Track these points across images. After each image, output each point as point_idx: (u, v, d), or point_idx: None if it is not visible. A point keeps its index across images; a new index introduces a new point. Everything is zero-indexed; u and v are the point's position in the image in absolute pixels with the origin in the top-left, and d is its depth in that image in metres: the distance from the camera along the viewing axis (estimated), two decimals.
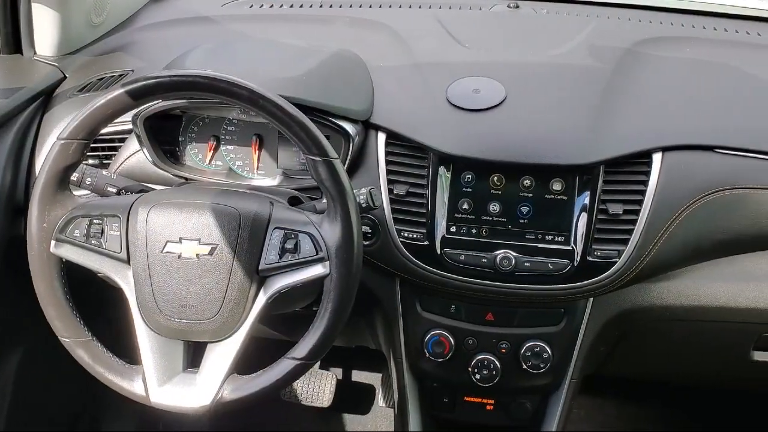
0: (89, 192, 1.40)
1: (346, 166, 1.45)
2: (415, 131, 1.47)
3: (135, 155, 1.54)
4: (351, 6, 1.97)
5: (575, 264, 1.43)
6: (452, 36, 1.74)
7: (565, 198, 1.44)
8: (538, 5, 1.98)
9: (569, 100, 1.52)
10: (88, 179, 1.37)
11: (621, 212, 1.42)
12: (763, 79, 1.65)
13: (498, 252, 1.45)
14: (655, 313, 1.55)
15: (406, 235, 1.46)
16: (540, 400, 1.67)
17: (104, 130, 1.33)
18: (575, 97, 1.52)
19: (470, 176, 1.45)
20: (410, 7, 1.95)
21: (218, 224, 1.22)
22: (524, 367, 1.54)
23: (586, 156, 1.42)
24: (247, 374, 1.27)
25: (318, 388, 2.43)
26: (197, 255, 1.22)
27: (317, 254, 1.21)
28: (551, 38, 1.76)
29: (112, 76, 1.70)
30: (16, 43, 1.83)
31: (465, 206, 1.45)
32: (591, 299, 1.54)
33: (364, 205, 1.31)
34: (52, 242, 1.26)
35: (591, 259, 1.43)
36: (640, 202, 1.42)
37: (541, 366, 1.54)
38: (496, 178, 1.44)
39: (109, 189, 1.38)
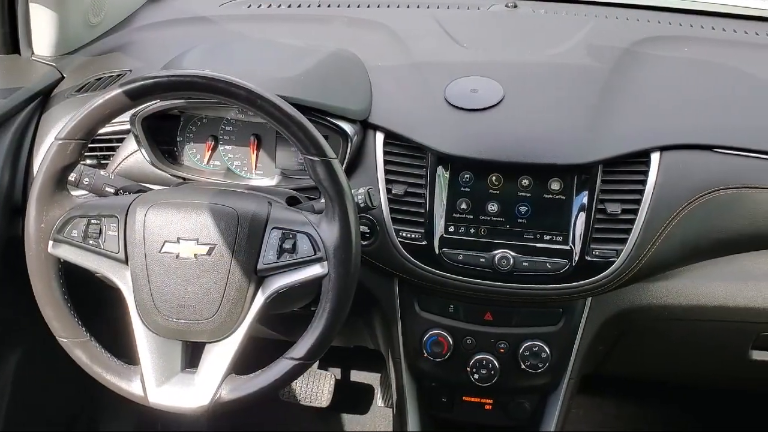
0: (87, 192, 1.40)
1: (344, 166, 1.45)
2: (414, 131, 1.47)
3: (133, 155, 1.54)
4: (349, 6, 1.97)
5: (573, 264, 1.43)
6: (450, 36, 1.74)
7: (564, 198, 1.44)
8: (536, 5, 1.98)
9: (567, 99, 1.52)
10: (86, 179, 1.37)
11: (619, 212, 1.42)
12: (761, 78, 1.65)
13: (496, 252, 1.45)
14: (654, 312, 1.55)
15: (404, 235, 1.46)
16: (538, 400, 1.67)
17: (102, 131, 1.33)
18: (573, 97, 1.52)
19: (468, 176, 1.45)
20: (408, 6, 1.95)
21: (216, 224, 1.22)
22: (523, 366, 1.54)
23: (585, 156, 1.42)
24: (245, 374, 1.27)
25: (316, 388, 2.43)
26: (195, 255, 1.22)
27: (315, 254, 1.21)
28: (549, 38, 1.76)
29: (110, 76, 1.70)
30: (14, 43, 1.83)
31: (463, 206, 1.45)
32: (589, 299, 1.54)
33: (362, 205, 1.31)
34: (50, 242, 1.26)
35: (589, 258, 1.43)
36: (638, 202, 1.42)
37: (540, 366, 1.54)
38: (494, 178, 1.44)
39: (107, 189, 1.38)
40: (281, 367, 1.25)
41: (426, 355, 1.57)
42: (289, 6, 2.00)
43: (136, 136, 1.49)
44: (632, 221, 1.42)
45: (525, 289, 1.46)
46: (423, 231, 1.46)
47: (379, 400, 2.45)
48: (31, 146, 1.64)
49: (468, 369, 1.57)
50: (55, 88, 1.73)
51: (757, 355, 1.64)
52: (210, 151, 1.55)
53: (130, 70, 1.71)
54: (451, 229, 1.46)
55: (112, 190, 1.38)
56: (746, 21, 1.95)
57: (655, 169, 1.43)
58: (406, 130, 1.47)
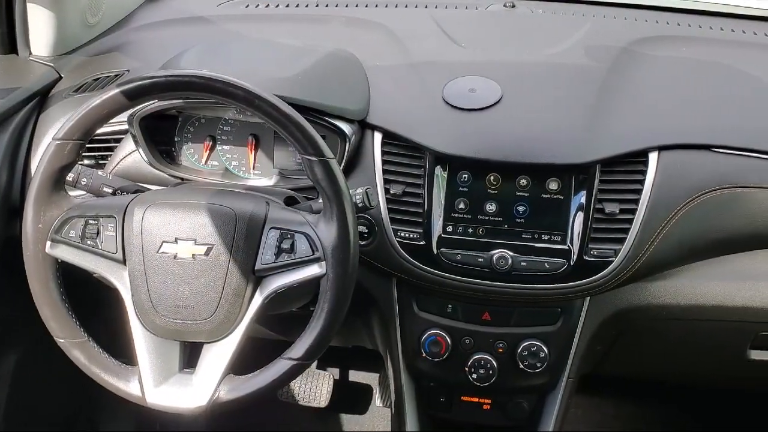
0: (85, 192, 1.39)
1: (342, 165, 1.45)
2: (412, 131, 1.47)
3: (131, 155, 1.54)
4: (347, 5, 1.96)
5: (572, 263, 1.43)
6: (448, 35, 1.74)
7: (562, 197, 1.44)
8: (534, 5, 1.98)
9: (565, 99, 1.52)
10: (84, 179, 1.37)
11: (617, 211, 1.42)
12: (759, 78, 1.65)
13: (494, 251, 1.45)
14: (652, 312, 1.55)
15: (402, 234, 1.46)
16: (537, 400, 1.67)
17: (100, 131, 1.32)
18: (571, 97, 1.52)
19: (467, 176, 1.45)
20: (406, 6, 1.95)
21: (214, 224, 1.22)
22: (521, 366, 1.54)
23: (582, 155, 1.42)
24: (243, 374, 1.26)
25: (315, 388, 2.43)
26: (193, 255, 1.22)
27: (313, 254, 1.21)
28: (547, 37, 1.76)
29: (108, 76, 1.70)
30: (12, 43, 1.82)
31: (461, 206, 1.45)
32: (587, 298, 1.54)
33: (360, 205, 1.31)
34: (48, 243, 1.26)
35: (587, 258, 1.43)
36: (636, 201, 1.42)
37: (538, 365, 1.54)
38: (492, 178, 1.44)
39: (105, 189, 1.38)
40: (279, 367, 1.25)
41: (424, 355, 1.57)
42: (287, 6, 2.00)
43: (133, 136, 1.49)
44: (630, 221, 1.42)
45: (523, 288, 1.46)
46: (421, 231, 1.46)
47: (377, 400, 2.45)
48: (28, 146, 1.64)
49: (466, 369, 1.57)
50: (53, 89, 1.73)
51: (756, 354, 1.64)
52: (208, 151, 1.55)
53: (128, 71, 1.70)
54: (450, 228, 1.46)
55: (110, 191, 1.38)
56: (745, 21, 1.95)
57: (653, 169, 1.43)
58: (404, 129, 1.47)
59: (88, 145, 1.28)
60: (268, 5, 2.01)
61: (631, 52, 1.65)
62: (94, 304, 1.58)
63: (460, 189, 1.45)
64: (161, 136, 1.54)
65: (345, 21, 1.87)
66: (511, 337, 1.55)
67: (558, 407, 1.64)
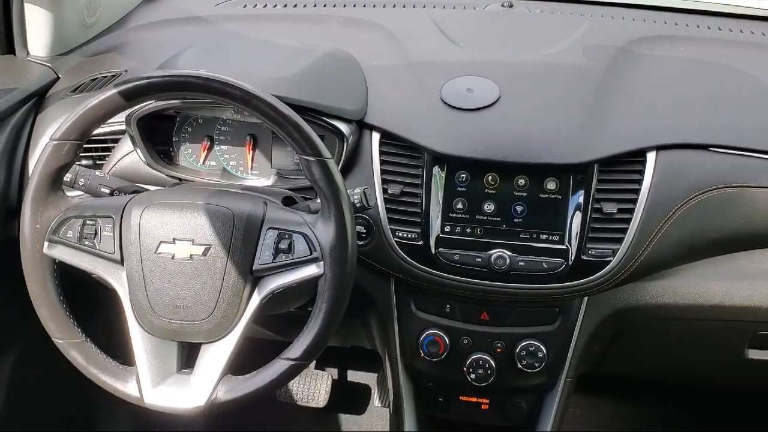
0: (82, 193, 1.39)
1: (340, 166, 1.45)
2: (410, 131, 1.46)
3: (128, 156, 1.54)
4: (345, 6, 1.96)
5: (570, 263, 1.43)
6: (446, 35, 1.74)
7: (560, 197, 1.44)
8: (531, 4, 1.98)
9: (563, 99, 1.52)
10: (81, 180, 1.37)
11: (615, 211, 1.42)
12: (757, 77, 1.65)
13: (492, 251, 1.45)
14: (650, 311, 1.55)
15: (400, 234, 1.46)
16: (535, 400, 1.67)
17: (98, 131, 1.32)
18: (569, 96, 1.52)
19: (464, 176, 1.45)
20: (404, 6, 1.95)
21: (212, 225, 1.22)
22: (519, 366, 1.54)
23: (580, 155, 1.42)
24: (241, 375, 1.26)
25: (313, 389, 2.43)
26: (191, 255, 1.22)
27: (311, 254, 1.21)
28: (545, 37, 1.76)
29: (106, 76, 1.70)
30: (9, 43, 1.82)
31: (459, 206, 1.45)
32: (586, 298, 1.54)
33: (358, 205, 1.31)
34: (45, 243, 1.26)
35: (585, 258, 1.43)
36: (634, 201, 1.42)
37: (536, 365, 1.54)
38: (490, 178, 1.44)
39: (103, 190, 1.38)
40: (277, 367, 1.25)
41: (422, 354, 1.57)
42: (285, 6, 1.99)
43: (131, 137, 1.49)
44: (628, 220, 1.42)
45: (521, 288, 1.46)
46: (419, 231, 1.46)
47: (376, 400, 2.45)
48: (26, 147, 1.64)
49: (465, 369, 1.57)
50: (51, 89, 1.73)
51: (754, 354, 1.64)
52: (206, 152, 1.55)
53: (126, 71, 1.70)
54: (448, 228, 1.46)
55: (108, 191, 1.38)
56: (743, 20, 1.95)
57: (650, 169, 1.43)
58: (402, 129, 1.47)
59: (85, 146, 1.28)
60: (265, 5, 2.01)
61: (629, 51, 1.65)
62: (91, 304, 1.58)
63: (458, 189, 1.45)
64: (159, 137, 1.54)
65: (343, 21, 1.87)
66: (509, 337, 1.55)
67: (556, 407, 1.64)
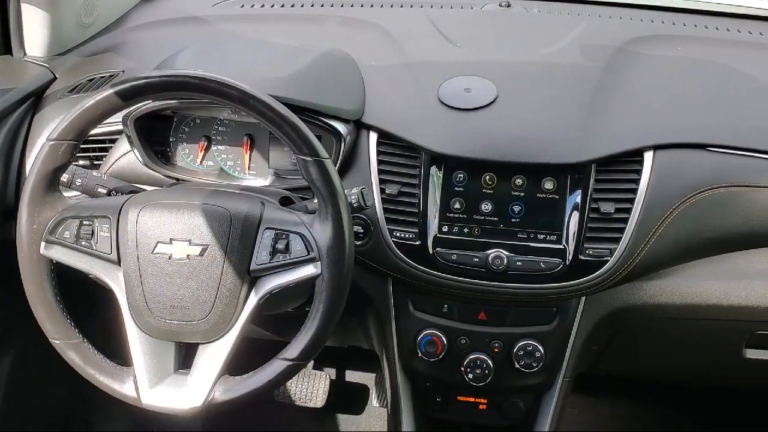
0: (79, 193, 1.39)
1: (337, 166, 1.45)
2: (407, 131, 1.46)
3: (126, 156, 1.54)
4: (342, 5, 1.96)
5: (567, 263, 1.43)
6: (444, 35, 1.74)
7: (557, 197, 1.44)
8: (529, 4, 1.98)
9: (560, 98, 1.52)
10: (78, 180, 1.37)
11: (613, 211, 1.42)
12: (755, 77, 1.65)
13: (490, 251, 1.45)
14: (647, 311, 1.55)
15: (398, 234, 1.46)
16: (533, 399, 1.67)
17: (95, 131, 1.32)
18: (566, 96, 1.52)
19: (462, 176, 1.45)
20: (402, 6, 1.95)
21: (209, 225, 1.22)
22: (517, 366, 1.54)
23: (578, 155, 1.42)
24: (238, 375, 1.26)
25: (311, 389, 2.43)
26: (188, 256, 1.22)
27: (308, 254, 1.21)
28: (542, 37, 1.76)
29: (103, 76, 1.69)
30: (6, 43, 1.82)
31: (457, 206, 1.45)
32: (583, 298, 1.54)
33: (355, 205, 1.30)
34: (42, 244, 1.25)
35: (583, 257, 1.43)
36: (631, 201, 1.42)
37: (534, 365, 1.54)
38: (487, 178, 1.44)
39: (100, 190, 1.38)
40: (275, 367, 1.25)
41: (420, 354, 1.57)
42: (282, 6, 1.99)
43: (128, 137, 1.49)
44: (626, 220, 1.42)
45: (519, 288, 1.46)
46: (417, 231, 1.46)
47: (374, 400, 2.45)
48: (23, 147, 1.64)
49: (462, 369, 1.57)
50: (48, 89, 1.72)
51: (751, 353, 1.65)
52: (203, 152, 1.54)
53: (123, 71, 1.70)
54: (445, 228, 1.46)
55: (105, 191, 1.38)
56: (740, 20, 1.95)
57: (648, 168, 1.43)
58: (400, 129, 1.47)
59: (82, 146, 1.28)
60: (263, 5, 2.01)
61: (626, 51, 1.65)
62: (89, 305, 1.57)
63: (456, 189, 1.45)
64: (156, 137, 1.54)
65: (340, 21, 1.87)
66: (506, 337, 1.55)
67: (554, 407, 1.64)
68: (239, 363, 1.28)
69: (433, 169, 1.45)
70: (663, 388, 2.44)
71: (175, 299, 1.23)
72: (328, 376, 2.46)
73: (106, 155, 1.56)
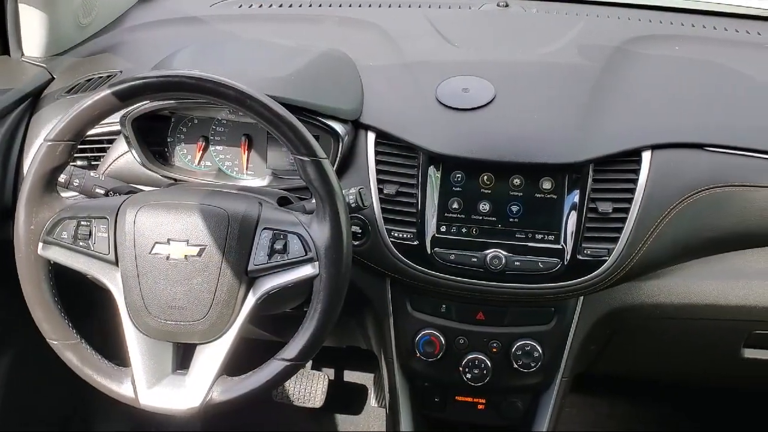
0: (77, 194, 1.39)
1: (335, 166, 1.45)
2: (405, 131, 1.46)
3: (123, 156, 1.53)
4: (340, 5, 1.96)
5: (565, 263, 1.43)
6: (442, 35, 1.74)
7: (555, 197, 1.44)
8: (527, 4, 1.98)
9: (558, 98, 1.52)
10: (76, 181, 1.37)
11: (611, 210, 1.42)
12: (752, 77, 1.65)
13: (488, 251, 1.45)
14: (646, 311, 1.55)
15: (396, 234, 1.46)
16: (531, 399, 1.67)
17: (92, 132, 1.33)
18: (564, 96, 1.52)
19: (460, 175, 1.45)
20: (400, 6, 1.95)
21: (206, 225, 1.22)
22: (515, 366, 1.54)
23: (576, 155, 1.42)
24: (236, 375, 1.26)
25: (310, 389, 2.43)
26: (185, 256, 1.22)
27: (306, 255, 1.21)
28: (540, 37, 1.76)
29: (100, 77, 1.69)
30: (4, 44, 1.82)
31: (455, 206, 1.45)
32: (581, 298, 1.54)
33: (353, 205, 1.31)
34: (40, 244, 1.25)
35: (581, 257, 1.43)
36: (629, 201, 1.42)
37: (532, 365, 1.54)
38: (485, 178, 1.44)
39: (97, 190, 1.38)
40: (273, 368, 1.25)
41: (418, 355, 1.57)
42: (280, 6, 1.99)
43: (126, 137, 1.49)
44: (623, 220, 1.42)
45: (517, 288, 1.46)
46: (415, 231, 1.46)
47: (372, 400, 2.45)
48: (21, 148, 1.63)
49: (460, 369, 1.57)
50: (45, 89, 1.72)
51: (749, 353, 1.65)
52: (201, 152, 1.54)
53: (121, 71, 1.70)
54: (443, 228, 1.46)
55: (103, 192, 1.38)
56: (738, 20, 1.95)
57: (646, 168, 1.43)
58: (398, 129, 1.47)
59: (80, 146, 1.28)
60: (261, 5, 2.01)
61: (624, 51, 1.65)
62: (86, 305, 1.58)
63: (454, 189, 1.45)
64: (154, 137, 1.54)
65: (338, 21, 1.87)
66: (505, 337, 1.55)
67: (552, 406, 1.64)
68: (237, 363, 1.27)
69: (431, 169, 1.45)
70: (661, 387, 2.44)
71: (173, 299, 1.23)
72: (326, 377, 2.46)
73: (103, 156, 1.56)
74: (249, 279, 1.23)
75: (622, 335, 1.64)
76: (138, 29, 1.96)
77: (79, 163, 1.59)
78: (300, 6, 1.99)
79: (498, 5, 1.96)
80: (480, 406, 1.68)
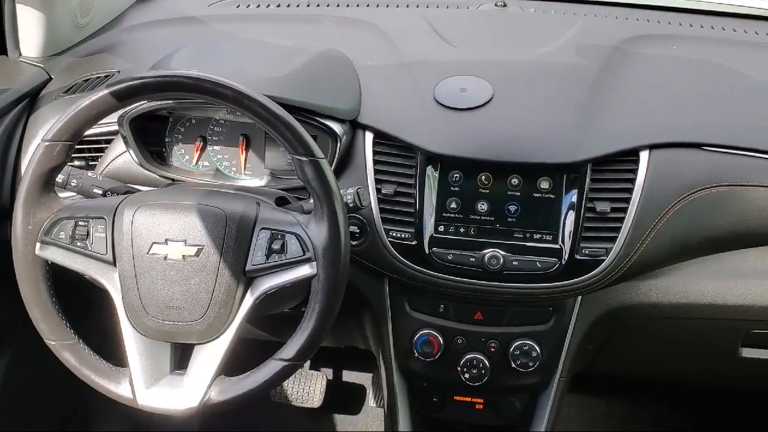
0: (75, 194, 1.39)
1: (333, 166, 1.45)
2: (403, 130, 1.46)
3: (121, 156, 1.53)
4: (338, 5, 1.96)
5: (563, 262, 1.43)
6: (440, 35, 1.74)
7: (553, 196, 1.44)
8: (525, 4, 1.99)
9: (556, 98, 1.52)
10: (74, 181, 1.37)
11: (609, 210, 1.42)
12: (750, 76, 1.65)
13: (486, 251, 1.45)
14: (644, 310, 1.55)
15: (394, 234, 1.46)
16: (529, 399, 1.67)
17: (90, 132, 1.32)
18: (562, 96, 1.52)
19: (458, 175, 1.45)
20: (398, 6, 1.95)
21: (204, 225, 1.22)
22: (513, 365, 1.54)
23: (574, 154, 1.42)
24: (234, 376, 1.26)
25: (308, 389, 2.43)
26: (183, 256, 1.22)
27: (304, 255, 1.21)
28: (538, 37, 1.76)
29: (98, 77, 1.69)
30: (1, 44, 1.82)
31: (453, 205, 1.45)
32: (579, 297, 1.54)
33: (351, 205, 1.31)
34: (37, 245, 1.25)
35: (579, 257, 1.43)
36: (627, 200, 1.42)
37: (530, 365, 1.54)
38: (483, 177, 1.44)
39: (95, 190, 1.38)
40: (271, 368, 1.25)
41: (417, 354, 1.57)
42: (278, 6, 1.99)
43: (124, 137, 1.49)
44: (621, 219, 1.42)
45: (515, 288, 1.46)
46: (413, 231, 1.46)
47: (370, 400, 2.44)
48: (18, 148, 1.63)
49: (459, 368, 1.57)
50: (43, 90, 1.72)
51: (747, 352, 1.65)
52: (199, 152, 1.54)
53: (119, 71, 1.70)
54: (441, 228, 1.46)
55: (100, 192, 1.38)
56: (736, 19, 1.96)
57: (644, 168, 1.43)
58: (396, 129, 1.47)
59: (78, 146, 1.28)
60: (258, 5, 2.01)
61: (622, 50, 1.65)
62: (84, 305, 1.57)
63: (452, 189, 1.45)
64: (152, 137, 1.54)
65: (336, 21, 1.87)
66: (503, 337, 1.55)
67: (550, 406, 1.64)
68: (235, 363, 1.27)
69: (429, 169, 1.45)
70: (659, 387, 2.44)
71: (171, 300, 1.23)
72: (324, 377, 2.46)
73: (101, 156, 1.56)
74: (247, 279, 1.23)
75: (620, 335, 1.64)
76: (136, 29, 1.96)
77: (76, 163, 1.59)
78: (298, 6, 1.99)
79: (496, 5, 1.96)
80: (478, 406, 1.68)
